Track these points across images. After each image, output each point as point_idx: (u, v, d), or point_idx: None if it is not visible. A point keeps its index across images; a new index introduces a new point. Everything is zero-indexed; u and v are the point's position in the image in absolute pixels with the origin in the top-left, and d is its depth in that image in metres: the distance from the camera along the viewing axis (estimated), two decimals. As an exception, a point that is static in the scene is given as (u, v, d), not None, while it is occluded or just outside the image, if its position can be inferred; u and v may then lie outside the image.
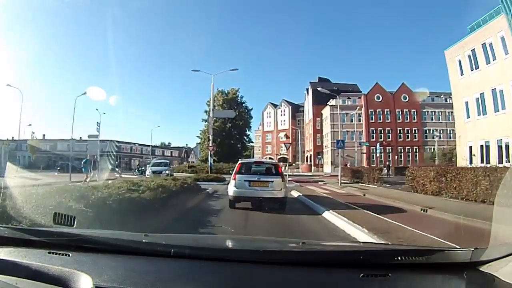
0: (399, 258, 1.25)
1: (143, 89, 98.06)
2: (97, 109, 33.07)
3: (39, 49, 57.57)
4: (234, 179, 7.54)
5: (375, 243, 3.82)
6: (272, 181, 7.43)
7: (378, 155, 31.41)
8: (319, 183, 19.06)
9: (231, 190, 7.49)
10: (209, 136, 18.45)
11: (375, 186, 14.89)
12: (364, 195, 11.94)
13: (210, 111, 18.35)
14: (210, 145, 18.63)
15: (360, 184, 16.84)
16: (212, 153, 18.03)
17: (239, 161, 8.46)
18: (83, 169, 15.30)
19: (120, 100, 63.08)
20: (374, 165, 36.86)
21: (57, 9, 64.03)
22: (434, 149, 41.38)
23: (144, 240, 1.60)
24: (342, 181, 18.65)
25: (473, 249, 1.23)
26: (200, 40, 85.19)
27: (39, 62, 66.18)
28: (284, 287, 1.17)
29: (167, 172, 18.47)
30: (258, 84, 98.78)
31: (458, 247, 1.82)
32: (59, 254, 1.35)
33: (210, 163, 18.60)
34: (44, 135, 59.12)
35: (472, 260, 1.20)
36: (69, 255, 1.33)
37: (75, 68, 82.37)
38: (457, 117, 21.98)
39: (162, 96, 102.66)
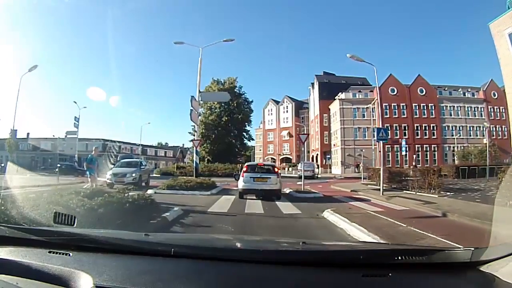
0: (400, 258, 1.23)
1: (140, 88, 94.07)
2: (75, 102, 28.07)
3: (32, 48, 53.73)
4: (243, 176, 9.82)
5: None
6: (270, 178, 9.81)
7: (403, 153, 26.23)
8: (347, 190, 13.88)
9: (240, 184, 9.81)
10: (194, 128, 13.26)
11: (435, 196, 9.97)
12: (445, 215, 6.88)
13: (197, 92, 13.20)
14: (195, 138, 13.52)
15: (405, 191, 11.79)
16: (198, 149, 12.92)
17: (246, 164, 11.54)
18: (87, 171, 10.47)
19: (110, 98, 58.38)
20: (389, 166, 32.02)
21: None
22: (463, 146, 36.64)
23: (144, 240, 1.62)
24: (373, 186, 14.42)
25: (473, 249, 1.22)
26: (199, 35, 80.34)
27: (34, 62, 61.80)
28: (284, 287, 1.14)
29: (133, 176, 13.06)
30: (259, 80, 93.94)
31: (459, 247, 1.65)
32: (60, 253, 1.34)
33: (196, 162, 13.53)
34: (28, 133, 54.37)
35: (472, 260, 1.19)
36: (69, 255, 1.33)
37: (67, 66, 77.87)
38: (512, 104, 17.63)
39: (160, 95, 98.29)
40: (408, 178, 12.99)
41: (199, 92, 13.75)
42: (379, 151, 34.52)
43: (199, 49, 14.97)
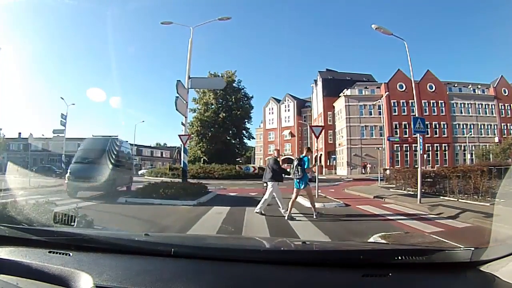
0: (400, 257, 1.23)
1: (139, 88, 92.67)
2: (62, 98, 25.69)
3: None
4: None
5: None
6: None
7: (421, 152, 23.82)
8: (369, 196, 11.58)
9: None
10: (182, 122, 10.99)
11: (486, 204, 7.77)
12: None
13: (186, 78, 10.96)
14: (184, 133, 11.24)
15: (442, 197, 9.56)
16: (186, 146, 10.64)
17: None
18: (300, 182, 6.58)
19: (110, 99, 56.20)
20: (398, 166, 29.87)
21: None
22: (474, 146, 34.51)
23: (144, 240, 1.63)
24: (397, 191, 12.93)
25: (473, 249, 1.22)
26: (196, 31, 77.81)
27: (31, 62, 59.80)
28: (284, 286, 1.14)
29: None
30: (259, 78, 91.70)
31: (459, 247, 1.61)
32: (60, 253, 1.34)
33: (184, 163, 11.26)
34: (20, 133, 52.28)
35: (472, 260, 1.18)
36: (69, 255, 1.33)
37: (65, 66, 75.88)
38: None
39: (159, 96, 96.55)
40: (441, 180, 10.74)
41: (189, 77, 11.49)
42: (393, 150, 32.31)
43: (190, 28, 12.76)
